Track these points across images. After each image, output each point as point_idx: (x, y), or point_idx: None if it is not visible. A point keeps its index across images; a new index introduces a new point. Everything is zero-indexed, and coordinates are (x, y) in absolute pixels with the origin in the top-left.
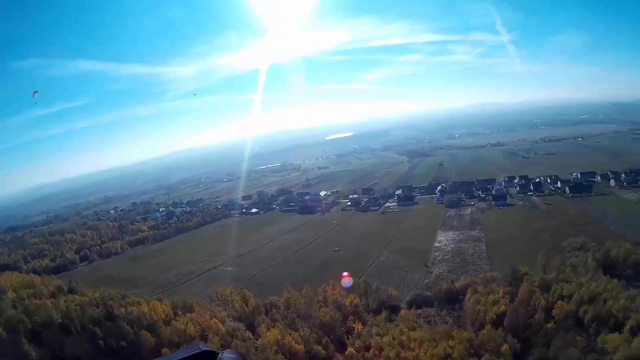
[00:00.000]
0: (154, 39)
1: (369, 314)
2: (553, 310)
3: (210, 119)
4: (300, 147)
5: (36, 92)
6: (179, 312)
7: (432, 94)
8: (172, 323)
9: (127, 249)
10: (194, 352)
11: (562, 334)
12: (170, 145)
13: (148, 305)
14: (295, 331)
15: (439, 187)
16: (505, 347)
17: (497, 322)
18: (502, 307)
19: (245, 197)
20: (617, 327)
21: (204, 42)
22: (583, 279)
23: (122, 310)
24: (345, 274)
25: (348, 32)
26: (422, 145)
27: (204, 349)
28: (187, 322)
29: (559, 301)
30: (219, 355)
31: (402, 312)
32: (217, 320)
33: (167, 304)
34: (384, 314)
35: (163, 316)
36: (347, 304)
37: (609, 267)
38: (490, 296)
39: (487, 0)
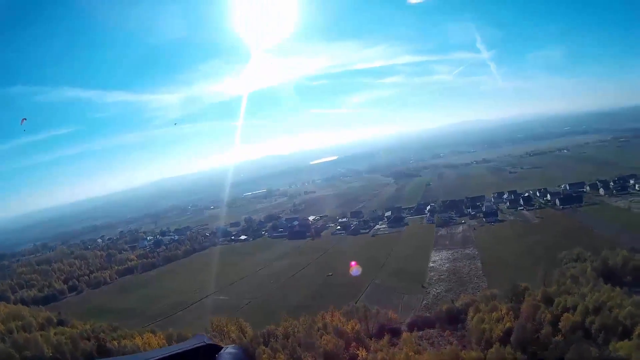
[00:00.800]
0: (139, 66)
1: (370, 339)
2: (559, 323)
3: (197, 146)
4: (286, 173)
5: (25, 119)
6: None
7: (415, 115)
8: None
9: (115, 278)
10: (198, 345)
11: (575, 346)
12: (157, 172)
13: (142, 338)
14: None
15: (428, 206)
16: None
17: (504, 339)
18: (508, 324)
19: (233, 224)
20: (626, 334)
21: (189, 69)
22: (585, 289)
23: (115, 343)
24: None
25: (331, 57)
26: (408, 165)
27: (208, 342)
28: None
29: (565, 313)
30: (222, 350)
31: (404, 335)
32: None
33: (161, 336)
34: (386, 338)
35: None
36: (348, 330)
37: (608, 276)
38: (493, 314)
39: (467, 19)
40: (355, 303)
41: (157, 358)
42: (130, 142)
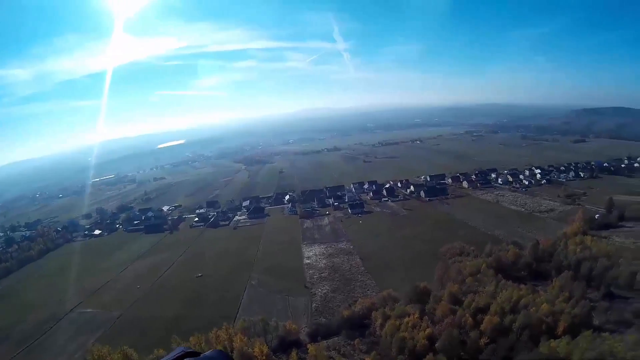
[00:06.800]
0: None
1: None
2: (481, 326)
3: (47, 127)
4: (134, 156)
5: None
6: None
7: (265, 101)
8: None
9: None
10: (177, 354)
11: (524, 354)
12: (4, 156)
13: None
14: None
15: (287, 196)
16: None
17: (429, 348)
18: (428, 330)
19: (85, 216)
20: (550, 331)
21: (43, 42)
22: (490, 288)
23: None
24: None
25: (185, 37)
26: (257, 151)
27: (187, 350)
28: None
29: (487, 316)
30: (203, 354)
31: (311, 348)
32: None
33: None
34: (293, 355)
35: None
36: (256, 354)
37: (502, 271)
38: (406, 319)
39: (326, 10)
40: (238, 310)
41: None
42: None
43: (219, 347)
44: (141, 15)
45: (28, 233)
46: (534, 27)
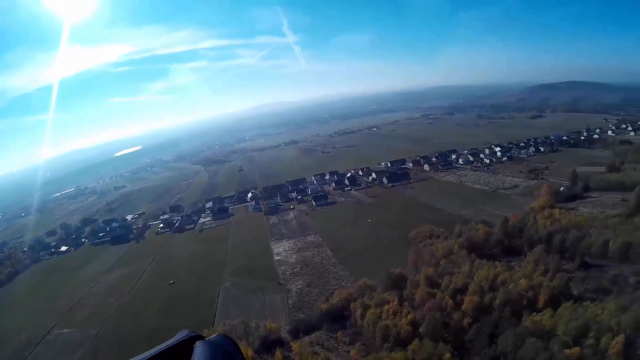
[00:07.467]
0: None
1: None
2: (462, 306)
3: (2, 145)
4: (92, 167)
5: None
6: None
7: (217, 100)
8: None
9: None
10: (182, 338)
11: (511, 329)
12: None
13: None
14: None
15: (250, 194)
16: (447, 355)
17: (413, 333)
18: (410, 316)
19: (50, 233)
20: (530, 305)
21: None
22: (465, 269)
23: None
24: None
25: (134, 42)
26: (215, 151)
27: (191, 335)
28: None
29: (467, 297)
30: (207, 338)
31: (295, 345)
32: None
33: None
34: (278, 354)
35: None
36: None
37: (474, 250)
38: (386, 307)
39: (274, 4)
40: (215, 314)
41: (146, 358)
42: None
43: None
44: (88, 24)
45: None
46: (483, 6)
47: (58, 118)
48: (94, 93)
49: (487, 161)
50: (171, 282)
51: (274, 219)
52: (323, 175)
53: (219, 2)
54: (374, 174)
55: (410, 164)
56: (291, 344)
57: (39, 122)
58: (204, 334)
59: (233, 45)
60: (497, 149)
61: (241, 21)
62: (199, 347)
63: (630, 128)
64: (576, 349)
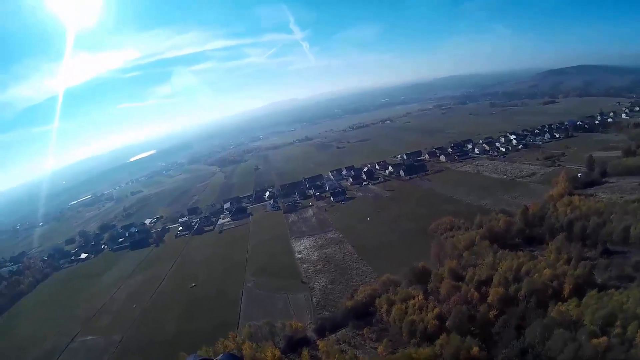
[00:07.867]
0: None
1: (285, 355)
2: (488, 298)
3: (15, 156)
4: (108, 173)
5: None
6: None
7: (227, 100)
8: None
9: None
10: None
11: (538, 321)
12: None
13: None
14: None
15: (267, 193)
16: (475, 349)
17: (440, 327)
18: (436, 310)
19: (69, 241)
20: (556, 295)
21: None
22: (488, 259)
23: None
24: None
25: (141, 47)
26: (229, 151)
27: (199, 359)
28: None
29: (492, 289)
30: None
31: (321, 344)
32: None
33: None
34: (304, 354)
35: None
36: (269, 358)
37: (496, 240)
38: (411, 302)
39: (280, 1)
40: (239, 315)
41: None
42: None
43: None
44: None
45: (15, 267)
46: None
47: (70, 126)
48: (104, 100)
49: (503, 149)
50: (193, 284)
51: (292, 216)
52: (340, 170)
53: (225, 1)
54: (390, 167)
55: (427, 156)
56: (317, 343)
57: (50, 131)
58: (212, 356)
59: (241, 44)
60: (513, 136)
61: (248, 20)
62: None
63: None
64: (603, 339)
